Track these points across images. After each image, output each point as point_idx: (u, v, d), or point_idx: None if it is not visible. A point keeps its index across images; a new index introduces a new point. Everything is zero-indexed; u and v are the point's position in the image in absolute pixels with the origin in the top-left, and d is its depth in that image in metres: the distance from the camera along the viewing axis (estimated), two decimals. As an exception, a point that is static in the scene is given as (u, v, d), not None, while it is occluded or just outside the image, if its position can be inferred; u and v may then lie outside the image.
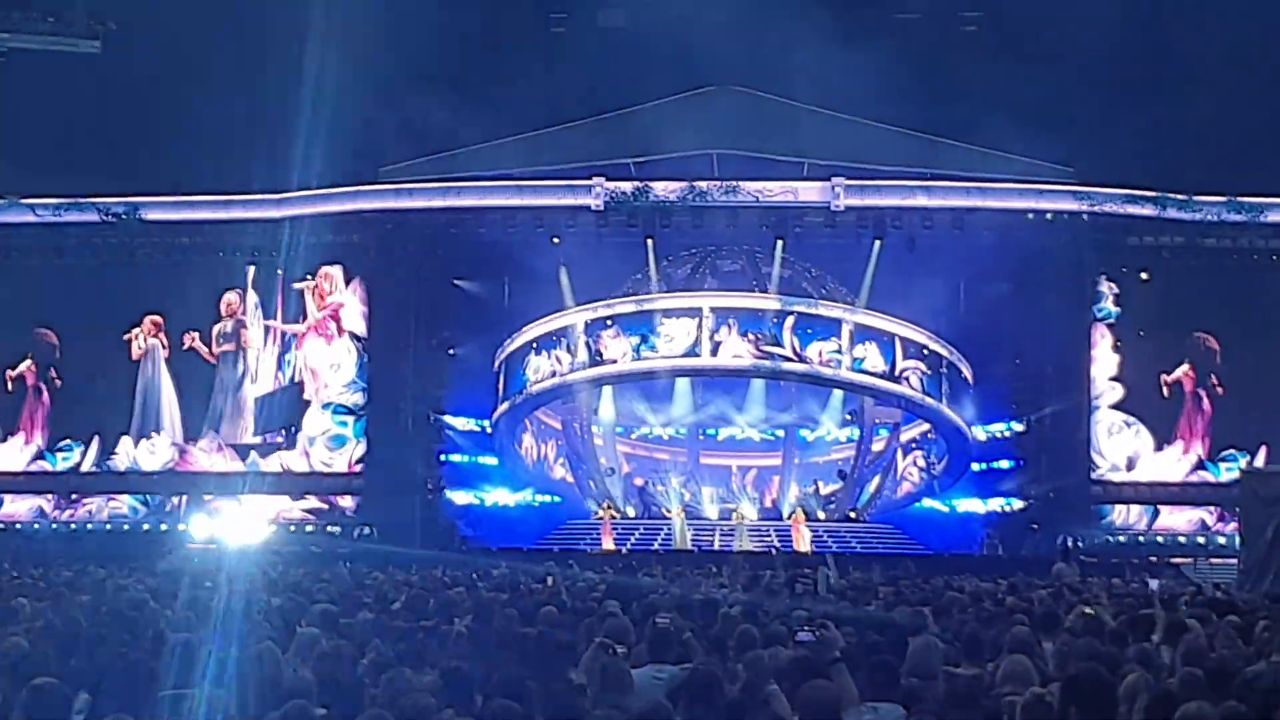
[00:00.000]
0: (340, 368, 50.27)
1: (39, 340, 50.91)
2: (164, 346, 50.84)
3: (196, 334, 50.60)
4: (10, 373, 51.00)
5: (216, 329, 50.72)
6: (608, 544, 46.50)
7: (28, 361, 50.89)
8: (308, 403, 50.16)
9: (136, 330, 50.71)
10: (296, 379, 50.46)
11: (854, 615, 17.43)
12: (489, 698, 9.26)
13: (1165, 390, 48.32)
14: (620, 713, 9.29)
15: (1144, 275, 48.93)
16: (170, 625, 15.16)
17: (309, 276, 50.15)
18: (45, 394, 50.93)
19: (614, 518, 49.66)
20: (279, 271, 50.18)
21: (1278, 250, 48.98)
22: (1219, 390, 48.47)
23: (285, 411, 50.41)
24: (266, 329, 50.62)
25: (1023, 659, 11.87)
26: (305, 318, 50.33)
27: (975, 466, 50.34)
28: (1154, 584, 29.63)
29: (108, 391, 50.83)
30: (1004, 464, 50.19)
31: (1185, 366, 48.42)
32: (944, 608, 19.57)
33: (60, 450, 50.78)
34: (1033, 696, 10.00)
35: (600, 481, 52.52)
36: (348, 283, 50.32)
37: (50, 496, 50.89)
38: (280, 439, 50.09)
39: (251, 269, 50.74)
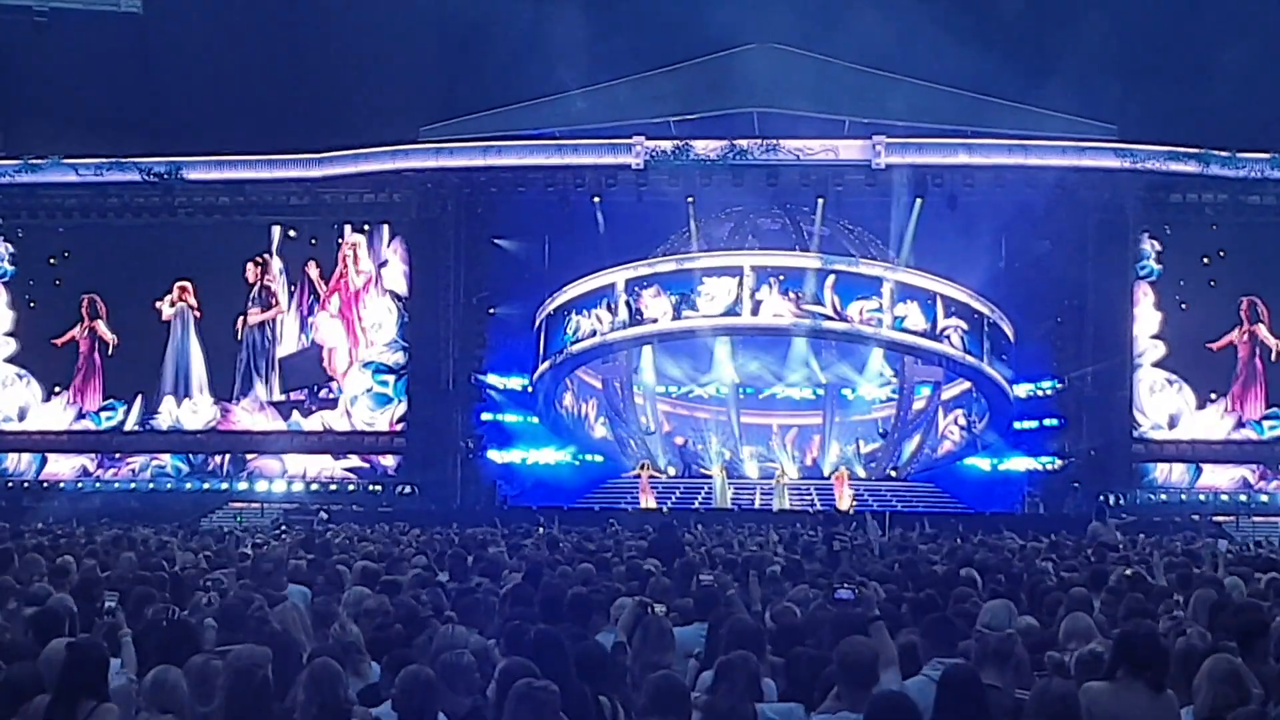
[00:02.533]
0: (381, 327, 50.32)
1: (88, 303, 50.95)
2: (194, 310, 50.94)
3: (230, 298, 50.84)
4: (59, 340, 51.04)
5: (252, 292, 50.78)
6: (648, 502, 46.47)
7: (80, 325, 50.94)
8: (325, 363, 50.47)
9: (168, 296, 50.79)
10: (317, 340, 50.50)
11: (904, 574, 17.35)
12: (528, 656, 9.13)
13: (1219, 351, 48.17)
14: (654, 670, 9.17)
15: (1205, 260, 48.75)
16: (212, 585, 15.13)
17: (340, 242, 50.18)
18: (97, 357, 51.05)
19: (652, 476, 49.67)
20: (312, 241, 50.25)
21: (1323, 208, 48.77)
22: (1272, 351, 48.31)
23: (308, 372, 50.49)
24: (290, 292, 50.63)
25: (1083, 616, 11.79)
26: (339, 280, 50.34)
27: (1016, 425, 50.12)
28: (1222, 544, 29.40)
29: (150, 352, 50.90)
30: (1046, 422, 49.94)
31: (1239, 330, 48.23)
32: (989, 566, 19.49)
33: (104, 410, 50.91)
34: (1088, 653, 9.96)
35: (640, 440, 52.50)
36: (390, 241, 50.36)
37: (94, 455, 51.06)
38: (303, 397, 50.13)
39: (280, 230, 50.93)
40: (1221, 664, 8.81)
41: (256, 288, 50.82)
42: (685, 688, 8.72)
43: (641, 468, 50.25)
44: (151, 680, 8.54)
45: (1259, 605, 12.89)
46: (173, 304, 50.91)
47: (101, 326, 51.10)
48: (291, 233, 50.67)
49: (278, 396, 50.57)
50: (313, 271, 50.56)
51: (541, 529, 29.49)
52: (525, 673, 8.11)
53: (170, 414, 50.82)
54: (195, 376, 50.95)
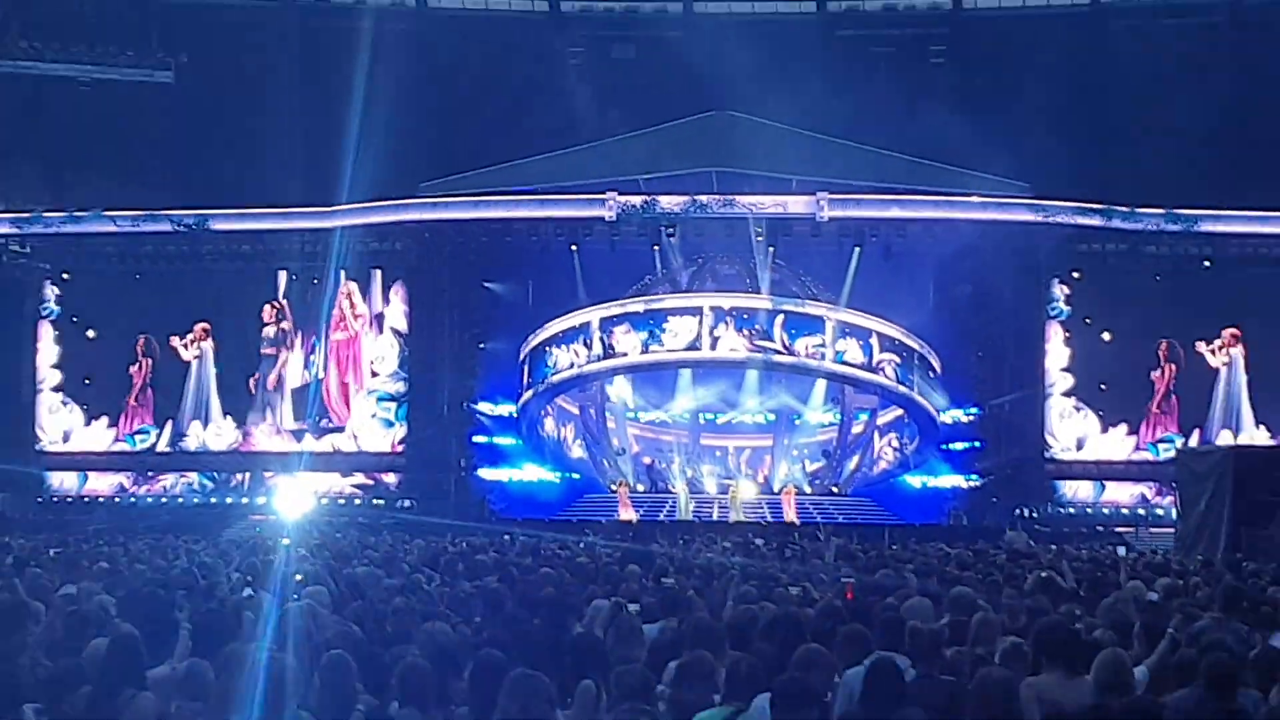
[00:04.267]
0: (384, 360, 50.47)
1: (144, 342, 51.02)
2: (213, 346, 51.02)
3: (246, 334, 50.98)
4: (131, 368, 51.15)
5: (265, 332, 50.90)
6: (627, 514, 46.51)
7: (140, 362, 51.02)
8: (325, 395, 50.63)
9: (190, 335, 50.83)
10: (320, 375, 50.61)
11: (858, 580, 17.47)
12: (510, 650, 9.23)
13: (1154, 381, 48.66)
14: (628, 663, 9.27)
15: (1075, 274, 49.21)
16: (233, 587, 15.18)
17: (339, 288, 50.35)
18: (149, 390, 51.07)
19: (630, 491, 49.83)
20: (314, 280, 50.31)
21: (1210, 256, 49.02)
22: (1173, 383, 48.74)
23: (313, 403, 50.57)
24: (300, 331, 50.72)
25: (987, 614, 11.93)
26: (339, 322, 50.51)
27: (943, 447, 50.26)
28: (1121, 550, 29.53)
29: (177, 383, 50.95)
30: (968, 445, 50.08)
31: (1161, 367, 48.62)
32: (924, 570, 19.65)
33: (139, 433, 50.89)
34: (1011, 646, 10.09)
35: (613, 460, 52.62)
36: (390, 286, 50.48)
37: (130, 474, 51.05)
38: (304, 426, 50.17)
39: (287, 275, 51.08)
40: (1110, 655, 8.96)
41: (271, 328, 50.79)
42: (653, 680, 8.83)
43: (620, 485, 50.36)
44: (185, 671, 8.59)
45: (1161, 606, 13.12)
46: (193, 342, 50.86)
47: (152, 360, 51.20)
48: (294, 277, 50.69)
49: (290, 425, 50.56)
50: (316, 312, 50.54)
51: (509, 538, 29.48)
52: (500, 664, 8.22)
53: (198, 437, 50.85)
54: (214, 405, 50.89)
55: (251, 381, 50.86)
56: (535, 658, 9.01)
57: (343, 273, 49.94)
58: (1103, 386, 48.85)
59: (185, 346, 50.95)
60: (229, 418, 50.86)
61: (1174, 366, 48.81)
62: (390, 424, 50.36)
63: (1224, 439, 46.22)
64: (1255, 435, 47.09)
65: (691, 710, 8.48)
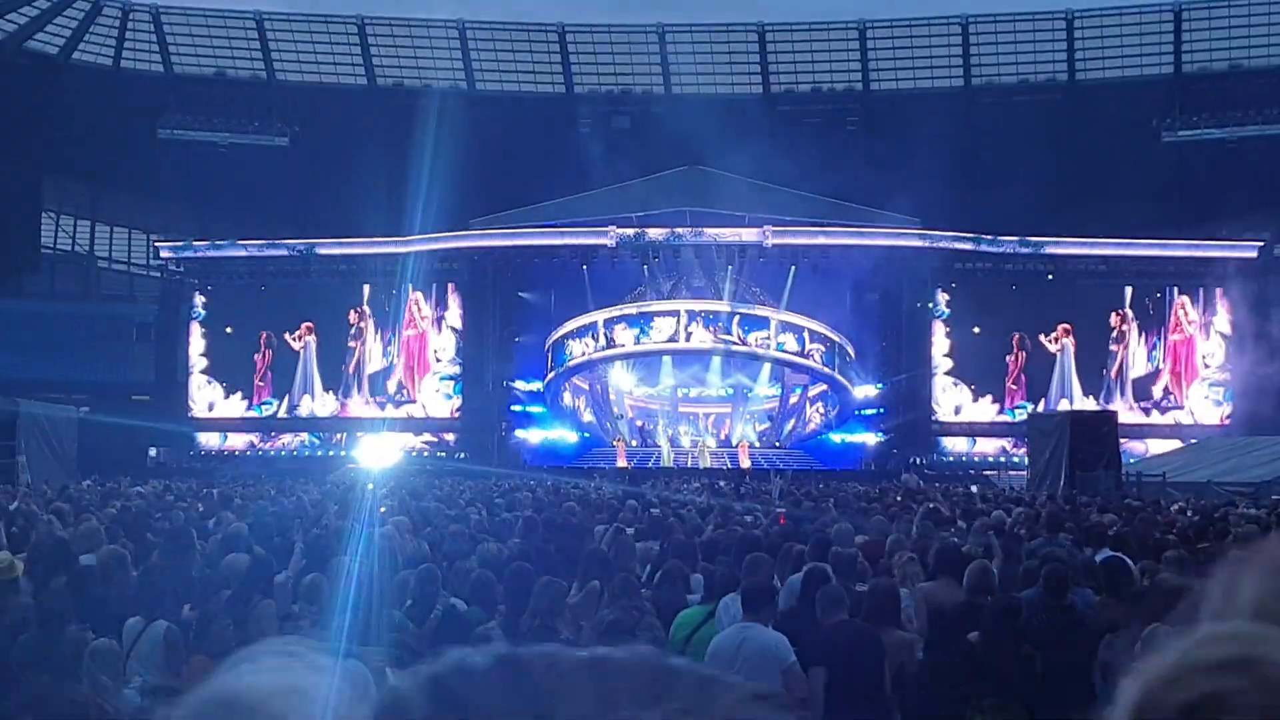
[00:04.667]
0: (445, 349, 50.50)
1: (265, 336, 50.93)
2: (315, 340, 50.92)
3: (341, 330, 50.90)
4: (256, 356, 51.07)
5: (352, 329, 50.84)
6: (623, 463, 46.59)
7: (263, 352, 50.94)
8: (402, 376, 50.60)
9: (298, 331, 50.80)
10: (393, 362, 50.72)
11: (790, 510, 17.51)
12: (538, 561, 9.26)
13: (1008, 364, 48.90)
14: (629, 572, 9.29)
15: (953, 285, 49.35)
16: (335, 516, 15.19)
17: (408, 298, 50.38)
18: (269, 372, 50.97)
19: (627, 446, 49.90)
20: (393, 291, 50.29)
21: (1052, 271, 49.13)
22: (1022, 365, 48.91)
23: (386, 383, 50.66)
24: (379, 329, 50.62)
25: (901, 537, 11.99)
26: (409, 322, 50.57)
27: (856, 412, 50.32)
28: (974, 488, 29.75)
29: (290, 367, 50.97)
30: (875, 410, 50.15)
31: (1014, 353, 48.79)
32: (842, 503, 19.67)
33: (264, 404, 50.91)
34: (907, 559, 10.16)
35: (613, 423, 52.69)
36: (450, 295, 50.52)
37: (258, 434, 51.05)
38: (384, 399, 50.13)
39: (369, 288, 50.95)
40: (978, 565, 9.00)
41: (355, 327, 50.75)
42: (639, 583, 8.86)
43: (619, 441, 50.42)
44: (308, 584, 8.61)
45: (1017, 533, 13.19)
46: (300, 337, 50.80)
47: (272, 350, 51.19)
48: (376, 289, 50.66)
49: (376, 398, 50.54)
50: (393, 315, 50.60)
51: (538, 481, 29.42)
52: (528, 572, 8.27)
53: (307, 406, 50.80)
54: (315, 383, 50.81)
55: (344, 367, 50.75)
56: (557, 566, 9.05)
57: (411, 286, 49.87)
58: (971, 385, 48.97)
59: (295, 340, 50.82)
60: (330, 392, 50.76)
61: (1024, 353, 48.96)
62: (450, 396, 50.34)
63: (1062, 406, 46.29)
64: (1085, 403, 47.14)
65: (668, 606, 8.52)
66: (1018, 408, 47.89)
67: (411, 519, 14.41)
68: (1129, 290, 48.98)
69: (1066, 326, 48.78)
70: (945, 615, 8.40)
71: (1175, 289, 49.21)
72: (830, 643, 7.39)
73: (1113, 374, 48.77)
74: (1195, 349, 48.91)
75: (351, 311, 50.69)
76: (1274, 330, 46.92)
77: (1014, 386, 48.88)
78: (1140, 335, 48.99)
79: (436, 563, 10.32)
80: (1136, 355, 48.96)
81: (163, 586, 8.61)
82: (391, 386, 50.39)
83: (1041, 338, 48.90)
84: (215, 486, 24.52)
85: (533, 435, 50.87)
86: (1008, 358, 48.86)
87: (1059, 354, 48.87)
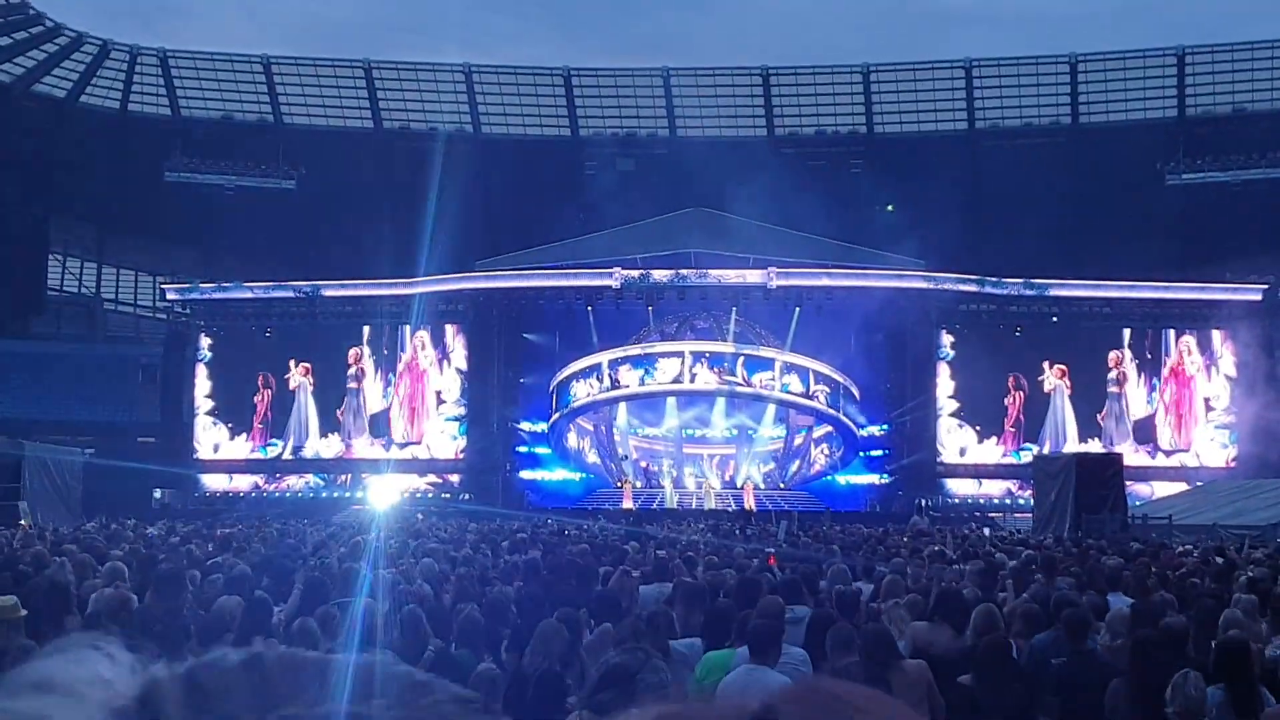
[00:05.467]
0: (450, 390, 50.38)
1: (263, 378, 50.77)
2: (310, 381, 50.70)
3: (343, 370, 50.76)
4: (255, 397, 50.81)
5: (352, 370, 50.65)
6: (628, 504, 46.41)
7: (265, 394, 50.74)
8: (387, 420, 50.45)
9: (291, 373, 50.66)
10: (389, 406, 50.48)
11: (797, 553, 17.45)
12: (542, 604, 9.21)
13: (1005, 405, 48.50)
14: (636, 617, 9.25)
15: (959, 326, 49.16)
16: (340, 558, 15.12)
17: (410, 339, 50.21)
18: (269, 415, 50.79)
19: (633, 487, 49.75)
20: (394, 331, 50.21)
21: (1057, 314, 49.10)
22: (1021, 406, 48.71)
23: (382, 426, 50.39)
24: (377, 368, 50.52)
25: (898, 578, 11.91)
26: (412, 364, 50.41)
27: (861, 453, 50.20)
28: (985, 530, 29.58)
29: (289, 409, 50.84)
30: (880, 452, 50.03)
31: (1011, 395, 48.51)
32: (847, 545, 19.59)
33: (269, 445, 50.78)
34: (910, 600, 10.10)
35: (618, 464, 52.54)
36: (455, 336, 50.40)
37: (262, 476, 50.91)
38: (385, 441, 49.99)
39: (368, 328, 50.72)
40: (984, 608, 8.95)
41: (356, 368, 50.66)
42: (643, 628, 8.80)
43: (624, 482, 50.30)
44: (298, 628, 8.57)
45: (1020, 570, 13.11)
46: (296, 378, 50.63)
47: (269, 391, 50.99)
48: (377, 330, 50.57)
49: (378, 439, 50.39)
50: (392, 356, 50.55)
51: (548, 521, 29.25)
52: (533, 616, 8.20)
53: (312, 447, 50.68)
54: (312, 424, 50.64)
55: (341, 408, 50.56)
56: (562, 609, 9.00)
57: (412, 327, 49.75)
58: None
59: (291, 380, 50.56)
60: (334, 434, 50.62)
61: (1021, 394, 48.75)
62: (455, 437, 50.25)
63: (1069, 447, 46.13)
64: (1081, 445, 46.90)
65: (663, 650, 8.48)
66: (1023, 449, 47.72)
67: (413, 561, 14.35)
68: (1126, 332, 48.92)
69: (1062, 368, 48.70)
70: (937, 659, 8.36)
71: (1173, 330, 49.14)
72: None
73: (1113, 415, 48.63)
74: (1197, 391, 48.78)
75: (351, 352, 50.63)
76: (1279, 372, 46.89)
77: (1012, 429, 48.71)
78: (1140, 376, 48.90)
79: (439, 605, 10.28)
80: (1135, 396, 48.85)
81: (154, 629, 8.58)
82: (396, 427, 50.29)
83: (1039, 378, 48.77)
84: (222, 528, 24.46)
85: (538, 476, 50.75)
86: (1005, 400, 48.74)
87: (1053, 394, 48.77)
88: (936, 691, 7.46)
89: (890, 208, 54.02)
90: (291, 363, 50.52)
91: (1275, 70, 55.39)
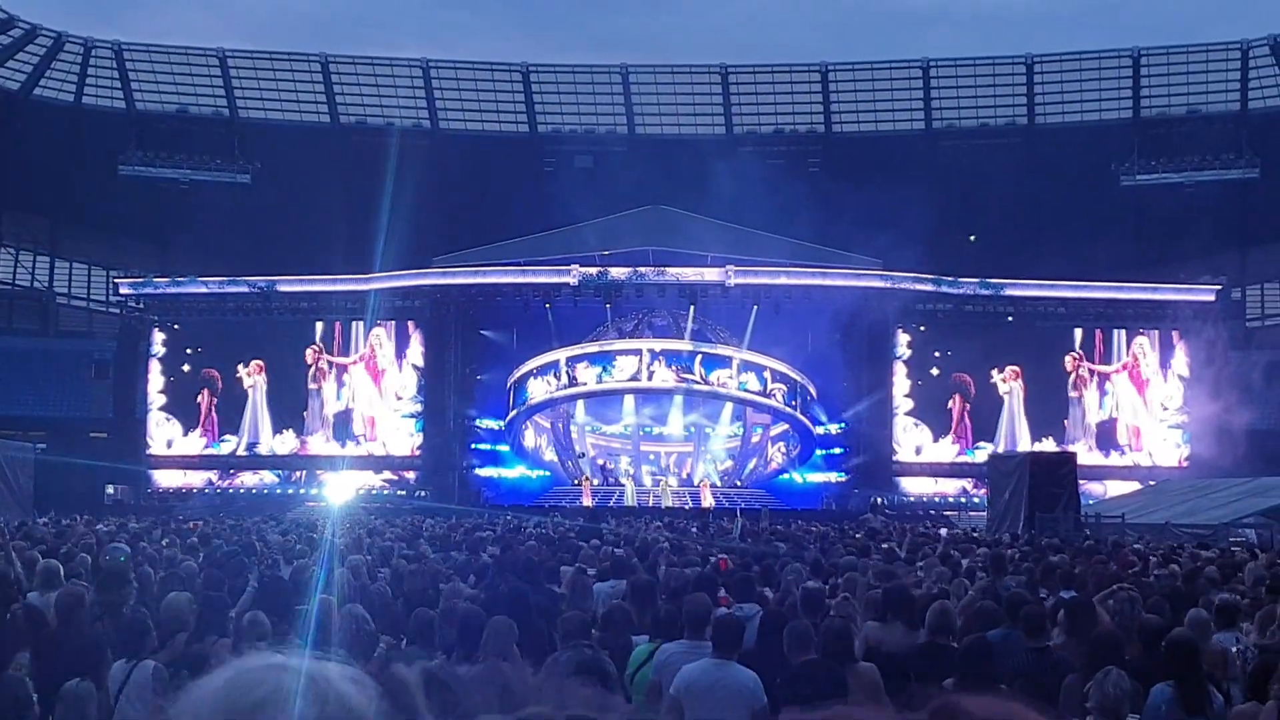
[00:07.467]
0: (406, 387, 50.14)
1: (208, 376, 50.28)
2: (264, 379, 50.25)
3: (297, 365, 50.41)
4: (199, 398, 50.30)
5: (311, 369, 50.20)
6: (586, 501, 46.36)
7: (205, 392, 50.20)
8: (349, 418, 50.05)
9: (246, 369, 50.17)
10: (349, 405, 50.11)
11: (750, 548, 17.51)
12: (504, 601, 9.21)
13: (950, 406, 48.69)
14: (583, 611, 9.29)
15: (922, 328, 49.42)
16: (294, 555, 15.06)
17: (367, 335, 49.86)
18: (215, 412, 50.22)
19: (592, 485, 49.70)
20: (354, 324, 49.88)
21: (1011, 313, 49.43)
22: (970, 406, 48.87)
23: (343, 425, 50.03)
24: (331, 366, 50.11)
25: (854, 575, 11.99)
26: (369, 359, 50.10)
27: (818, 452, 50.36)
28: (943, 531, 29.62)
29: (242, 404, 50.36)
30: (836, 450, 50.19)
31: (957, 396, 48.75)
32: (800, 542, 19.65)
33: (222, 441, 50.33)
34: (870, 597, 10.17)
35: (575, 462, 52.52)
36: (411, 333, 50.16)
37: (216, 472, 50.49)
38: (339, 438, 49.68)
39: (321, 325, 50.34)
40: (938, 605, 9.00)
41: (314, 366, 50.27)
42: (589, 625, 8.82)
43: (583, 480, 50.25)
44: (248, 620, 8.54)
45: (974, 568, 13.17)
46: (250, 375, 50.17)
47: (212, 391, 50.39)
48: (333, 326, 50.19)
49: (334, 437, 50.07)
50: (347, 354, 50.25)
51: (503, 519, 29.15)
52: (479, 615, 8.23)
53: (268, 444, 50.31)
54: (264, 421, 50.21)
55: (302, 404, 50.22)
56: (512, 609, 8.99)
57: (367, 323, 49.47)
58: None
59: (246, 377, 50.17)
60: (289, 430, 50.28)
61: (959, 395, 48.97)
62: (411, 434, 50.03)
63: (1023, 446, 46.43)
64: (1035, 444, 47.15)
65: (613, 647, 8.53)
66: (977, 448, 48.02)
67: (366, 559, 14.30)
68: (1078, 332, 49.27)
69: (1015, 369, 49.01)
70: (889, 656, 8.41)
71: (1126, 331, 49.53)
72: (800, 681, 7.38)
73: (1073, 418, 48.94)
74: (1150, 391, 49.19)
75: (309, 349, 50.32)
76: (1231, 373, 47.39)
77: (957, 430, 48.84)
78: (1093, 377, 49.27)
79: (396, 602, 10.26)
80: (1089, 397, 49.21)
81: (97, 629, 8.54)
82: (353, 424, 50.01)
83: (994, 376, 49.02)
84: (175, 524, 24.28)
85: (495, 473, 50.64)
86: (948, 402, 48.95)
87: (1007, 396, 49.06)
88: (884, 693, 7.51)
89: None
90: (245, 359, 50.13)
91: (1230, 72, 56.00)
